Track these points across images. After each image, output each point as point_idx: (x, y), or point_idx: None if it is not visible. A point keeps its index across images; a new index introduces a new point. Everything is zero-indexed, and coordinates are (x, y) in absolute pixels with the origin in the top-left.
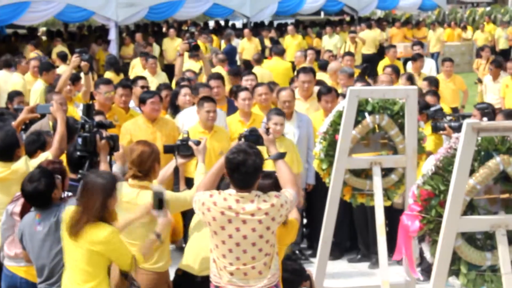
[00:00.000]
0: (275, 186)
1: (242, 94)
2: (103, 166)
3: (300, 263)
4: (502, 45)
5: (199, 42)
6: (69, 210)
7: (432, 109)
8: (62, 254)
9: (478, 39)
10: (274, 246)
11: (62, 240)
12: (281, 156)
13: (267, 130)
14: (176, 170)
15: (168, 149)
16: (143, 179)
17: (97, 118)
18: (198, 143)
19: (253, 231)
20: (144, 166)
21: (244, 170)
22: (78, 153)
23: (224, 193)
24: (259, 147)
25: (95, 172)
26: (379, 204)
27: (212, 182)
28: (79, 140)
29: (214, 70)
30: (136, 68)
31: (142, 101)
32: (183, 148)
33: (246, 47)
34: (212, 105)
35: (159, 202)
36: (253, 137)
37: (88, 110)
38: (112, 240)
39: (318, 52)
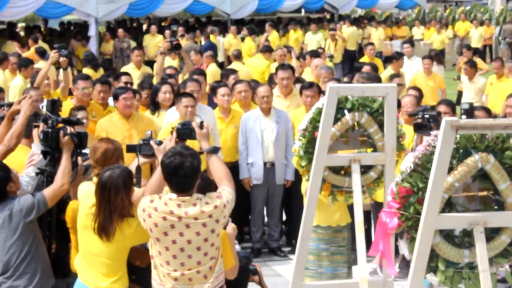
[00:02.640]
0: (204, 187)
1: (222, 90)
2: (64, 163)
3: (242, 258)
4: (474, 43)
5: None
6: (86, 204)
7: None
8: (17, 247)
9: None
10: (219, 249)
11: (33, 233)
12: (215, 150)
13: (201, 124)
14: (138, 169)
15: (131, 149)
16: None
17: (80, 114)
18: (159, 143)
19: (197, 235)
20: (108, 164)
21: (183, 173)
22: (42, 148)
23: (165, 198)
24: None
25: (108, 169)
26: (357, 202)
27: (159, 186)
28: (41, 136)
29: (209, 67)
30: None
31: (115, 97)
32: (144, 148)
33: (233, 44)
34: (190, 100)
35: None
36: (185, 131)
37: (53, 106)
38: (140, 231)
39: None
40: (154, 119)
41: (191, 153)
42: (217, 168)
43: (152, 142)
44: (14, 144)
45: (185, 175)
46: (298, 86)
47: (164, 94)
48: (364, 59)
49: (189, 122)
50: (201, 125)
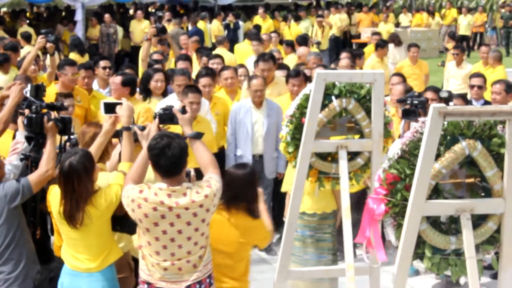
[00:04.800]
0: (250, 180)
1: (203, 81)
2: (49, 148)
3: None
4: (463, 31)
5: None
6: (56, 193)
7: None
8: (1, 234)
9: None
10: (208, 238)
11: (17, 219)
12: (199, 135)
13: (183, 109)
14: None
15: (114, 134)
16: (97, 161)
17: (67, 101)
18: (143, 128)
19: (188, 225)
20: None
21: (170, 154)
22: (26, 133)
23: (154, 188)
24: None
25: (68, 155)
26: (344, 188)
27: (140, 173)
28: (25, 121)
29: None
30: None
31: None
32: None
33: (222, 29)
34: (197, 96)
35: (106, 106)
36: (167, 116)
37: (37, 91)
38: (109, 200)
39: None
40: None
41: (177, 135)
42: (202, 154)
43: (135, 128)
44: (0, 130)
45: (173, 155)
46: (278, 72)
47: (156, 82)
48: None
49: (170, 107)
50: (183, 110)
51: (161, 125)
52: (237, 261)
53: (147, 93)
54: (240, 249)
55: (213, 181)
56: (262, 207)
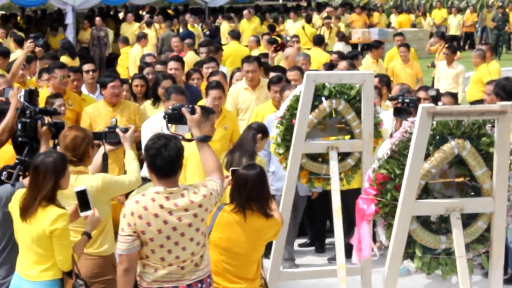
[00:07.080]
0: (261, 180)
1: (213, 93)
2: None
3: None
4: (453, 31)
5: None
6: (19, 193)
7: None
8: None
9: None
10: (206, 236)
11: (12, 222)
12: (206, 139)
13: (193, 110)
14: (105, 156)
15: (96, 136)
16: (78, 164)
17: (57, 102)
18: (125, 130)
19: (189, 226)
20: (78, 151)
21: (167, 154)
22: (19, 138)
23: (150, 193)
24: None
25: (44, 153)
26: (335, 188)
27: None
28: (19, 126)
29: (187, 55)
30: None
31: (102, 85)
32: (110, 135)
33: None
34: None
35: (84, 203)
36: (175, 115)
37: (31, 95)
38: (61, 223)
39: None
40: (151, 110)
41: (174, 136)
42: (209, 159)
43: (118, 130)
44: (5, 138)
45: (169, 155)
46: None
47: (163, 89)
48: None
49: (179, 107)
50: (192, 111)
51: (169, 124)
52: (251, 262)
53: (156, 98)
54: (255, 250)
55: (210, 182)
56: (274, 205)
